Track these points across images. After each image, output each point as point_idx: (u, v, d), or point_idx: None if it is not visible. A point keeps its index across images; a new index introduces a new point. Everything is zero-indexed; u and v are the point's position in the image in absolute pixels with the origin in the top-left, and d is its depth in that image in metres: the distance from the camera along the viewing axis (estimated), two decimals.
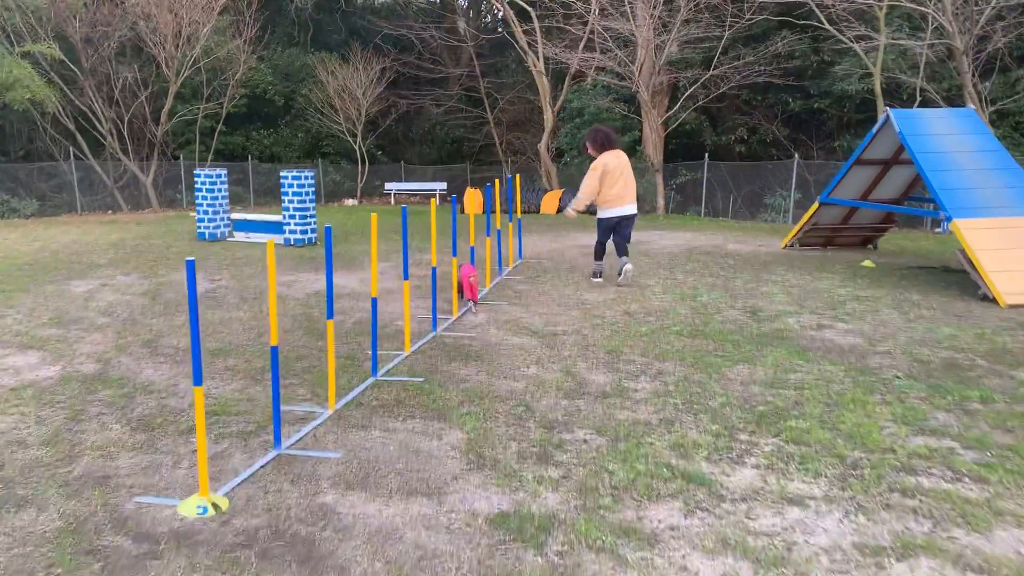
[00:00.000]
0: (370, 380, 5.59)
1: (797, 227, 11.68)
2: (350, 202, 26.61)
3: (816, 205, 11.16)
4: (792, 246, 11.86)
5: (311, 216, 12.95)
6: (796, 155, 18.88)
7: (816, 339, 6.66)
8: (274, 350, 4.30)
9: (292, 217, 12.78)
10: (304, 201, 12.78)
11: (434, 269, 7.03)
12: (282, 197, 12.84)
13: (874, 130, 9.98)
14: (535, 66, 22.01)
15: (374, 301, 5.67)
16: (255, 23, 24.09)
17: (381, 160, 29.63)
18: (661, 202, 20.15)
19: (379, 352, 6.22)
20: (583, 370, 5.78)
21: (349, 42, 28.64)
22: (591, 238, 13.19)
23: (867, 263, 10.34)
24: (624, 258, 9.06)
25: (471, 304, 7.95)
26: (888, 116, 9.59)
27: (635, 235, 13.96)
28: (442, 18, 31.04)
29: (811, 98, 20.66)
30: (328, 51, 28.54)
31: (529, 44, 22.07)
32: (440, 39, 28.52)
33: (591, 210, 9.47)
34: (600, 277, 9.39)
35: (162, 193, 24.14)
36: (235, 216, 13.88)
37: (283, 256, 11.78)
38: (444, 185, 27.94)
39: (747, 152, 21.89)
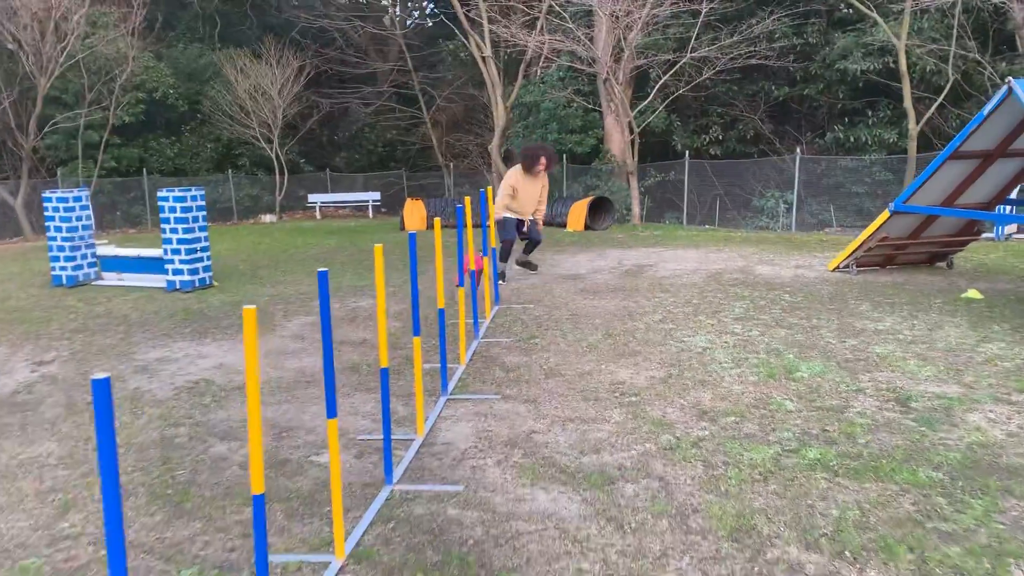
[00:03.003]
0: None
1: (856, 242, 8.88)
2: (268, 218, 23.09)
3: (886, 215, 8.37)
4: (847, 267, 9.07)
5: (203, 249, 9.62)
6: (798, 148, 16.22)
7: None
8: None
9: (176, 252, 9.43)
10: (192, 228, 9.44)
11: (384, 372, 3.87)
12: (161, 225, 9.48)
13: (985, 111, 7.20)
14: (481, 51, 18.87)
15: (258, 503, 2.51)
16: (142, 9, 20.38)
17: (304, 169, 26.10)
18: (637, 209, 17.26)
19: (287, 559, 3.09)
20: None
21: (262, 37, 25.04)
22: (575, 264, 10.19)
23: (972, 293, 7.59)
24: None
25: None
26: (1011, 89, 6.83)
27: (630, 258, 11.05)
28: (367, 8, 27.71)
29: (797, 84, 18.10)
30: (238, 47, 24.89)
31: (471, 22, 18.93)
32: (366, 28, 25.20)
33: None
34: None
35: (38, 219, 20.22)
36: (103, 251, 10.43)
37: (159, 310, 8.44)
38: (378, 195, 24.65)
39: (724, 152, 19.21)
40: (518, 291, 8.70)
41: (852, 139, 16.69)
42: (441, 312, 5.10)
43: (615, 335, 6.53)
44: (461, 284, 5.79)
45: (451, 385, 5.33)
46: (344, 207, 25.23)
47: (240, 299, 8.88)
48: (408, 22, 29.35)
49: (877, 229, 8.53)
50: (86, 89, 20.09)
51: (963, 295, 7.60)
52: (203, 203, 9.63)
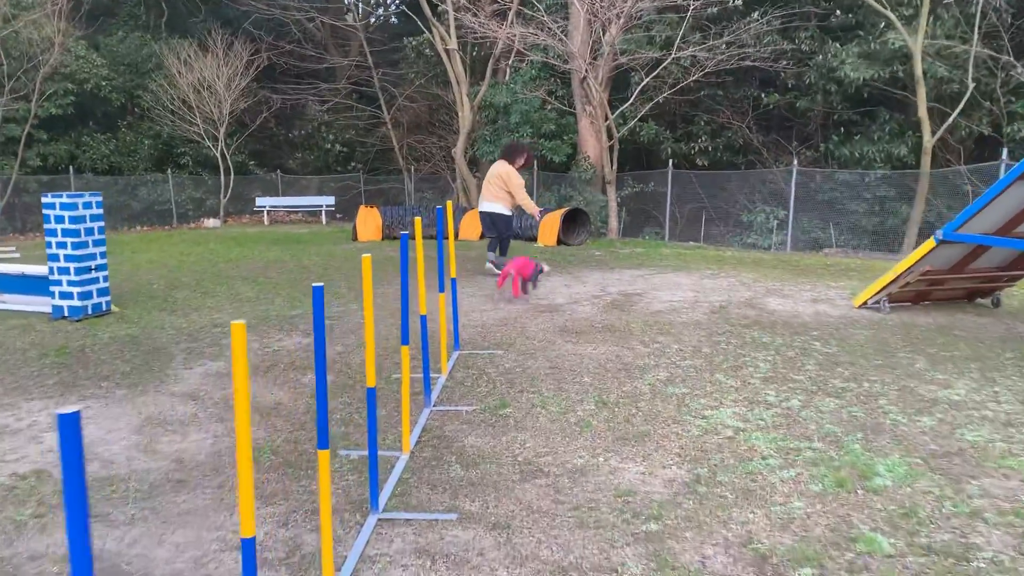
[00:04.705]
0: None
1: (891, 275, 7.42)
2: (211, 223, 21.19)
3: (931, 243, 6.92)
4: (876, 303, 7.60)
5: (98, 267, 7.86)
6: (794, 160, 14.85)
7: None
8: None
9: (64, 271, 7.67)
10: (84, 243, 7.69)
11: (248, 544, 2.23)
12: (46, 238, 7.72)
13: None
14: (445, 43, 17.22)
15: None
16: None
17: (252, 171, 24.24)
18: (614, 222, 15.73)
19: None
20: None
21: (212, 27, 23.14)
22: (550, 290, 8.58)
23: None
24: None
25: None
26: None
27: (614, 284, 9.52)
28: (327, 1, 25.93)
29: (788, 92, 16.75)
30: (184, 37, 22.97)
31: (435, 10, 17.26)
32: (326, 21, 23.46)
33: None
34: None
35: None
36: None
37: (30, 346, 6.68)
38: (332, 200, 22.90)
39: (711, 161, 17.82)
40: (484, 328, 7.07)
41: (856, 153, 15.30)
42: (371, 393, 3.47)
43: (612, 404, 4.94)
44: (405, 342, 4.16)
45: (386, 495, 3.70)
46: (296, 212, 23.45)
47: (137, 333, 7.14)
48: (371, 18, 27.61)
49: (919, 260, 7.08)
50: (5, 77, 18.10)
51: None
52: (100, 211, 7.87)
